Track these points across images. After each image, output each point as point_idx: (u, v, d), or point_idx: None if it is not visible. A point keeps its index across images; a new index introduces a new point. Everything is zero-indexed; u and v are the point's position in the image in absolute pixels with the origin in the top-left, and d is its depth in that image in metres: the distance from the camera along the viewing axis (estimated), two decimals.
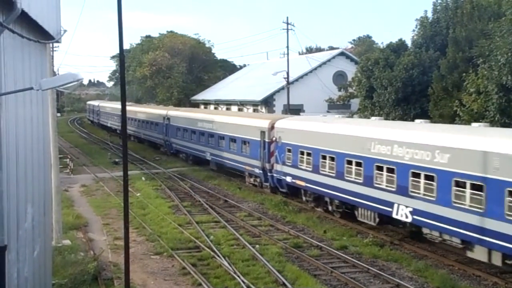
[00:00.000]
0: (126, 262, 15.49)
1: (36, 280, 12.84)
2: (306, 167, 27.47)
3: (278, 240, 22.45)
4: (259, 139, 32.13)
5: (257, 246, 21.53)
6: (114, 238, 23.28)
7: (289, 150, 29.14)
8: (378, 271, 18.59)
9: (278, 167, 30.36)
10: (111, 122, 73.85)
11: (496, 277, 17.89)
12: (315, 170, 26.68)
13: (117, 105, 63.91)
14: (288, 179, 29.26)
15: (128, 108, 62.77)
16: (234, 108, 58.07)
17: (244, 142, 34.25)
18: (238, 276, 17.91)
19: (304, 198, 28.57)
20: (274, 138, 30.52)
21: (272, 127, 31.06)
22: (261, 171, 32.10)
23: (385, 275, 18.21)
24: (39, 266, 13.40)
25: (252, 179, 34.25)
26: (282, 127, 30.39)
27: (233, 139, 36.13)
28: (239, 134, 35.17)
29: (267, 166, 31.26)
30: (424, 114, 35.14)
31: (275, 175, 30.78)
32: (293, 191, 29.79)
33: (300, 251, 21.01)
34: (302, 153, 27.90)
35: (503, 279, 17.71)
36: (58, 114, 60.27)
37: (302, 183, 27.96)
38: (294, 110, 48.36)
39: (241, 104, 57.26)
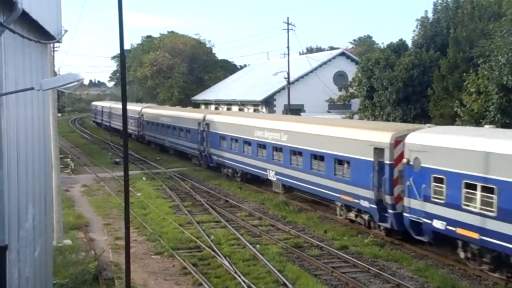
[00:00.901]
0: (127, 262, 15.52)
1: (37, 280, 12.87)
2: (474, 207, 17.67)
3: (278, 240, 22.46)
4: (371, 159, 22.72)
5: (257, 246, 21.54)
6: (115, 238, 23.31)
7: (438, 180, 19.19)
8: (378, 271, 18.60)
9: (413, 203, 20.45)
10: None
11: (496, 276, 17.88)
12: (502, 214, 16.66)
13: (135, 107, 60.58)
14: (438, 223, 19.27)
15: (146, 110, 56.61)
16: (235, 108, 58.08)
17: (341, 161, 25.00)
18: (239, 276, 17.93)
19: (464, 255, 19.00)
20: (405, 160, 20.82)
21: (397, 143, 21.56)
22: (374, 206, 22.72)
23: (386, 275, 18.23)
24: (40, 266, 13.43)
25: (352, 214, 24.82)
26: (420, 144, 20.31)
27: (319, 157, 26.60)
28: (332, 149, 25.46)
29: (388, 199, 21.82)
30: (424, 114, 35.18)
31: (407, 214, 20.88)
32: (444, 241, 20.01)
33: (300, 251, 21.03)
34: (470, 186, 17.87)
35: (504, 279, 17.70)
36: (59, 114, 54.33)
37: (469, 234, 18.02)
38: (294, 110, 48.40)
39: (242, 104, 57.28)
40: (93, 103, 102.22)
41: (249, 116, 39.64)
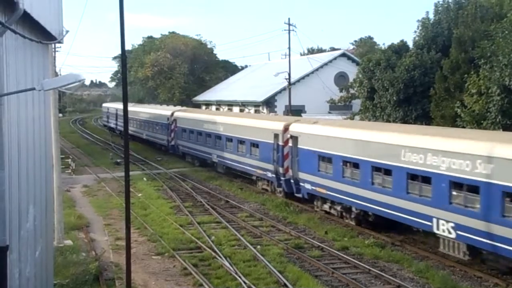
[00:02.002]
0: (127, 263, 15.53)
1: (38, 280, 12.87)
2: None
3: (279, 240, 22.46)
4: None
5: (258, 246, 21.54)
6: (115, 238, 23.32)
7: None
8: (379, 272, 18.60)
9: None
10: (153, 134, 55.39)
11: (497, 278, 17.89)
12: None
13: (163, 111, 53.26)
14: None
15: (181, 115, 47.17)
16: (236, 109, 58.09)
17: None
18: (240, 277, 17.93)
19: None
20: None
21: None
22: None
23: (386, 276, 18.22)
24: (41, 266, 13.43)
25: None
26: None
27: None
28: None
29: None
30: (425, 115, 35.14)
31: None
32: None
33: (301, 252, 21.03)
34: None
35: (504, 280, 17.71)
36: (60, 115, 53.33)
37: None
38: (295, 111, 48.39)
39: (243, 104, 57.30)
40: (105, 104, 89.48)
41: (352, 127, 28.94)
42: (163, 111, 52.87)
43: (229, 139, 36.31)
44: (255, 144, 32.63)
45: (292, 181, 28.92)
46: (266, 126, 31.60)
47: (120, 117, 67.05)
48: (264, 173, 31.69)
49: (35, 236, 12.54)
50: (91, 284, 17.68)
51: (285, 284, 17.42)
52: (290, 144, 28.86)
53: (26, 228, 11.31)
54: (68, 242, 22.41)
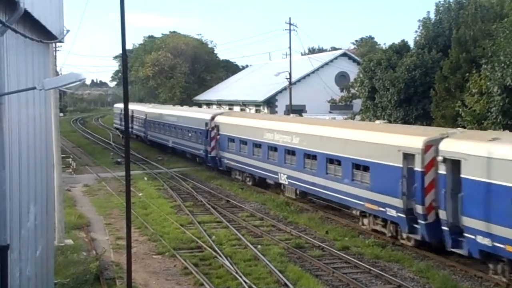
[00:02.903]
0: (128, 262, 15.53)
1: (38, 280, 12.88)
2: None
3: (280, 240, 22.46)
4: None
5: (259, 246, 21.54)
6: (116, 237, 23.33)
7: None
8: (379, 272, 18.59)
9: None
10: (184, 142, 45.30)
11: (497, 278, 17.84)
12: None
13: (199, 114, 43.35)
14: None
15: (225, 120, 37.42)
16: (236, 109, 58.09)
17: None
18: (240, 276, 17.93)
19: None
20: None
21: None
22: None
23: (387, 276, 18.21)
24: (42, 265, 13.44)
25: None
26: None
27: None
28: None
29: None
30: (426, 115, 35.15)
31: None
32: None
33: (302, 251, 21.02)
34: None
35: (505, 279, 17.66)
36: (61, 114, 51.74)
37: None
38: (296, 111, 48.39)
39: (243, 104, 57.30)
40: (117, 105, 75.40)
41: None
42: (200, 114, 42.99)
43: (311, 156, 26.99)
44: (366, 167, 22.78)
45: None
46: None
47: (138, 120, 60.14)
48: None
49: (36, 236, 12.55)
50: (92, 284, 17.68)
51: (285, 284, 17.41)
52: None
53: (26, 227, 11.32)
54: (69, 241, 22.41)
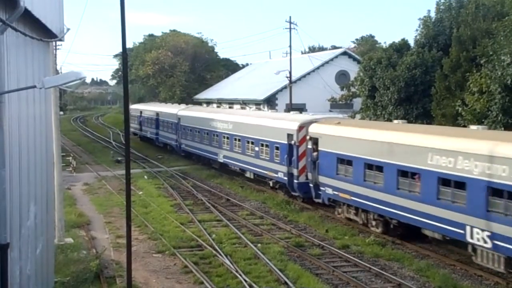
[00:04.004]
0: (128, 260, 15.53)
1: (39, 278, 12.88)
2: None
3: (280, 239, 22.46)
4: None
5: (259, 245, 21.55)
6: (116, 236, 23.33)
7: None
8: (379, 270, 18.60)
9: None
10: (247, 159, 33.92)
11: (497, 277, 17.88)
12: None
13: (281, 123, 30.47)
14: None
15: (334, 131, 24.29)
16: (237, 107, 58.05)
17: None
18: (240, 275, 17.94)
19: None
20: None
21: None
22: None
23: (387, 275, 18.22)
24: (42, 264, 13.45)
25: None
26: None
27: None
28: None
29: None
30: (426, 114, 35.12)
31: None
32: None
33: (302, 250, 21.03)
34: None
35: (504, 278, 17.70)
36: (61, 113, 47.36)
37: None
38: (296, 109, 48.36)
39: (244, 103, 57.28)
40: (135, 106, 64.39)
41: None
42: (278, 122, 30.95)
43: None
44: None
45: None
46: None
47: (166, 125, 50.20)
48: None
49: (36, 234, 12.56)
50: (92, 282, 17.68)
51: (285, 282, 17.42)
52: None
53: (27, 226, 11.32)
54: (69, 240, 22.42)
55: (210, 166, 41.23)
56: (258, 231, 23.93)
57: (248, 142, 33.92)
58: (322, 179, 26.03)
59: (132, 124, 61.75)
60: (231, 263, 19.27)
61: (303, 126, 28.02)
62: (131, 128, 60.95)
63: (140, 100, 77.87)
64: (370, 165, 22.58)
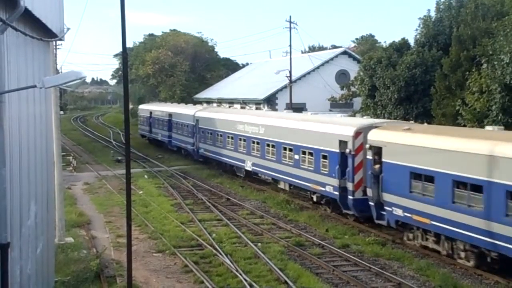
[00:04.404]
0: (128, 260, 15.54)
1: (39, 277, 12.90)
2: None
3: (280, 238, 22.47)
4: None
5: (259, 244, 21.56)
6: (116, 235, 23.34)
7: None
8: (379, 270, 18.61)
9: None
10: (300, 172, 28.34)
11: (497, 276, 17.88)
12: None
13: (335, 128, 25.81)
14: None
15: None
16: (237, 107, 58.04)
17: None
18: (240, 274, 17.95)
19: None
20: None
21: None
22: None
23: (387, 274, 18.23)
24: (42, 263, 13.46)
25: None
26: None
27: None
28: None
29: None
30: (426, 114, 35.12)
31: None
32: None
33: (302, 249, 21.04)
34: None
35: (504, 277, 17.70)
36: (61, 112, 46.73)
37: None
38: (296, 109, 48.37)
39: (244, 102, 57.27)
40: (144, 106, 61.07)
41: None
42: (328, 126, 26.58)
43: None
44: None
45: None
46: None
47: (180, 127, 46.26)
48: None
49: (36, 234, 12.57)
50: (92, 281, 17.70)
51: (286, 282, 17.42)
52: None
53: (27, 226, 11.33)
54: (69, 239, 22.44)
55: (234, 174, 36.54)
56: (258, 230, 23.94)
57: (285, 149, 29.37)
58: (387, 197, 21.53)
59: (140, 125, 61.25)
60: (231, 262, 19.28)
61: (360, 132, 23.78)
62: (139, 130, 61.36)
63: (141, 100, 77.81)
64: (462, 183, 18.22)
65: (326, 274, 18.55)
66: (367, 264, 19.22)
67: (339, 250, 20.83)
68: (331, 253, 20.77)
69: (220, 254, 20.20)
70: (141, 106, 61.55)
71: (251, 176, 34.81)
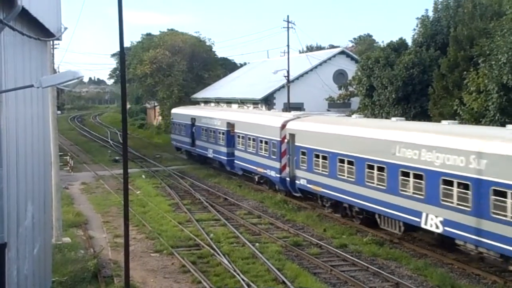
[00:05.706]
0: (126, 260, 15.53)
1: (36, 278, 12.87)
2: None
3: (277, 238, 22.46)
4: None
5: (257, 244, 21.55)
6: (114, 235, 23.31)
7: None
8: (377, 270, 18.61)
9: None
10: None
11: (495, 275, 17.91)
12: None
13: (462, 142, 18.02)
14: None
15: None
16: (235, 107, 58.01)
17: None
18: (238, 274, 17.94)
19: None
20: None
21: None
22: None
23: (385, 274, 18.23)
24: (39, 263, 13.43)
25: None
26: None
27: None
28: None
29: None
30: (424, 113, 35.14)
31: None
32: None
33: (299, 249, 21.03)
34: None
35: (502, 277, 17.73)
36: (59, 112, 46.83)
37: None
38: (294, 108, 48.35)
39: (242, 102, 57.24)
40: (180, 110, 49.07)
41: None
42: (455, 140, 18.69)
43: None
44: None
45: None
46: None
47: (242, 139, 34.30)
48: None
49: (34, 234, 12.54)
50: (90, 282, 17.67)
51: (283, 282, 17.42)
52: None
53: (24, 226, 11.30)
54: (67, 239, 22.40)
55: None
56: (256, 230, 23.93)
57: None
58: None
59: (175, 135, 48.23)
60: (229, 262, 19.27)
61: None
62: (174, 141, 47.64)
63: (138, 100, 77.72)
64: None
65: (324, 274, 18.55)
66: (365, 264, 19.22)
67: (337, 250, 20.83)
68: (328, 253, 20.77)
69: (218, 254, 20.18)
70: (176, 110, 48.75)
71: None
